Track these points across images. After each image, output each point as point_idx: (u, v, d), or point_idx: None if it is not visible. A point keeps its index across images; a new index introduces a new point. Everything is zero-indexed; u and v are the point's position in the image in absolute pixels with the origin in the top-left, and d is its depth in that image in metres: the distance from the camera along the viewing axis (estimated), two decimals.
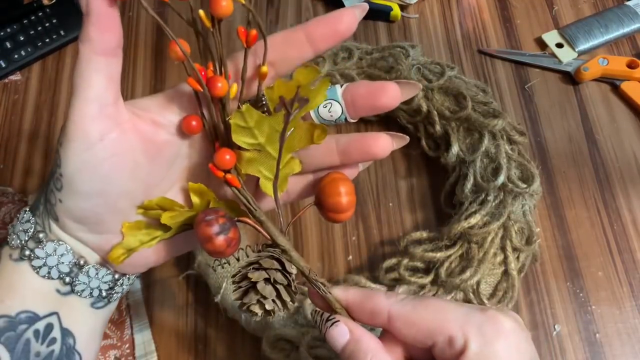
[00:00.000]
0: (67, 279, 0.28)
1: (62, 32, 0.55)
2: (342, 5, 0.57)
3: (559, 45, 0.56)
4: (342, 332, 0.27)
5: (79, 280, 0.28)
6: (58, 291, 0.28)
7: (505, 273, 0.41)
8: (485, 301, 0.39)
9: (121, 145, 0.25)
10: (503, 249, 0.41)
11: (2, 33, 0.54)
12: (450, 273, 0.41)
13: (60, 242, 0.27)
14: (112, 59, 0.25)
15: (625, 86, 0.53)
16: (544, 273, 0.46)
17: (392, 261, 0.42)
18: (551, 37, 0.56)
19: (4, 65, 0.53)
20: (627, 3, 0.58)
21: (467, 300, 0.40)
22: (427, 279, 0.40)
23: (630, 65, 0.54)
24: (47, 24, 0.55)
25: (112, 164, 0.25)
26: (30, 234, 0.27)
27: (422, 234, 0.43)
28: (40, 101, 0.53)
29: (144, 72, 0.55)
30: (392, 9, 0.57)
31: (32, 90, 0.54)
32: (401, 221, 0.48)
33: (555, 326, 0.44)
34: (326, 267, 0.46)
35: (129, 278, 0.31)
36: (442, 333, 0.25)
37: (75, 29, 0.55)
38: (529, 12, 0.59)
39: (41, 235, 0.27)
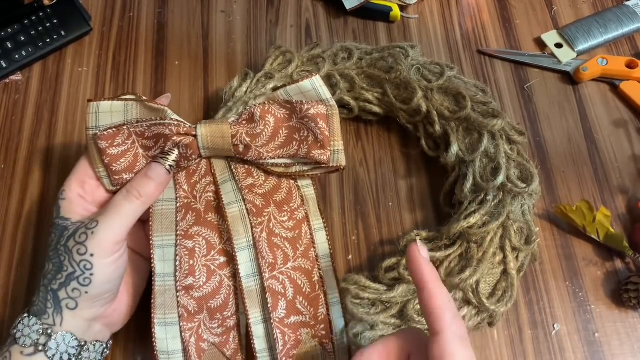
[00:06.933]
0: (74, 359, 0.36)
1: (62, 32, 0.55)
2: (342, 5, 0.58)
3: (558, 46, 0.56)
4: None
5: (82, 356, 0.37)
6: None
7: (505, 272, 0.41)
8: (485, 300, 0.40)
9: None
10: (502, 248, 0.41)
11: (3, 33, 0.54)
12: (449, 272, 0.41)
13: (66, 332, 0.36)
14: None
15: (625, 86, 0.53)
16: (543, 272, 0.46)
17: (391, 261, 0.42)
18: (550, 37, 0.57)
19: (5, 65, 0.53)
20: (627, 3, 0.58)
21: (466, 300, 0.40)
22: None
23: (630, 65, 0.54)
24: (47, 24, 0.55)
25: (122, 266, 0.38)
26: (41, 332, 0.35)
27: (422, 234, 0.43)
28: (41, 101, 0.53)
29: (145, 72, 0.55)
30: (392, 10, 0.57)
31: (33, 91, 0.54)
32: (401, 221, 0.48)
33: (555, 325, 0.44)
34: None
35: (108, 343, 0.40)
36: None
37: (76, 29, 0.55)
38: (528, 12, 0.59)
39: (49, 330, 0.35)
